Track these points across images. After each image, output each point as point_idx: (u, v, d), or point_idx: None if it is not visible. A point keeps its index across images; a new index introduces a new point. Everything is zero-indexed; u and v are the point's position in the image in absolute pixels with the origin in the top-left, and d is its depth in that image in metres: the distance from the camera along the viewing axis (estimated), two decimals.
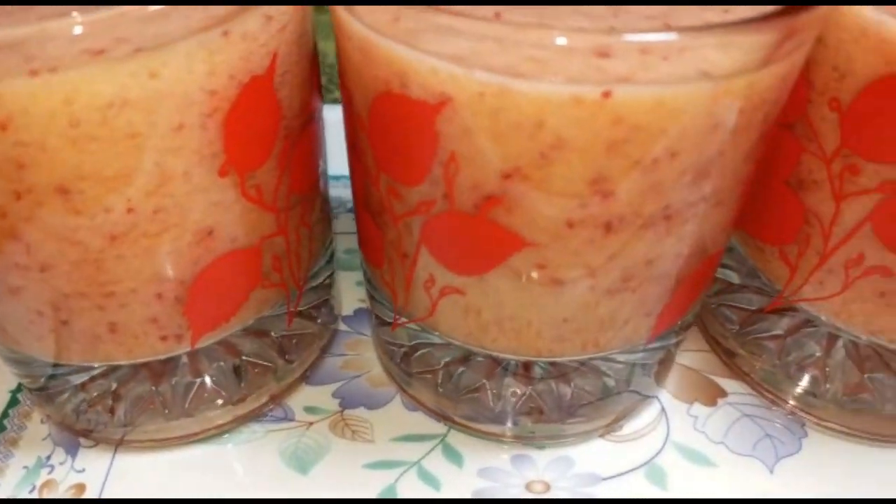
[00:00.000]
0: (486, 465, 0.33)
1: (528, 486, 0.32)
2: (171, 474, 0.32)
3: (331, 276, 0.37)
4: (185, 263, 0.27)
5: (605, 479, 0.32)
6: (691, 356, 0.38)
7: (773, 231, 0.32)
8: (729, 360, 0.37)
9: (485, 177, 0.24)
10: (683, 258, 0.27)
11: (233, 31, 0.24)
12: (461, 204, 0.25)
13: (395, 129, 0.24)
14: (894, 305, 0.30)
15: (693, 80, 0.22)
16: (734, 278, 0.36)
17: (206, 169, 0.25)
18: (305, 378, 0.36)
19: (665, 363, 0.35)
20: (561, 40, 0.21)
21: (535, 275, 0.26)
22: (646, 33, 0.21)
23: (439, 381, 0.33)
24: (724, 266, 0.36)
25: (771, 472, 0.33)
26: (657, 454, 0.33)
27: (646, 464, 0.33)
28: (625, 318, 0.29)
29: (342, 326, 0.39)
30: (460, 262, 0.27)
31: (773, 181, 0.32)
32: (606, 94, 0.21)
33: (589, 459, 0.33)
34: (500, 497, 0.32)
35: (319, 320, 0.36)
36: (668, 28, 0.24)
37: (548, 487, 0.32)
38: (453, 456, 0.33)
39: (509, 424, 0.34)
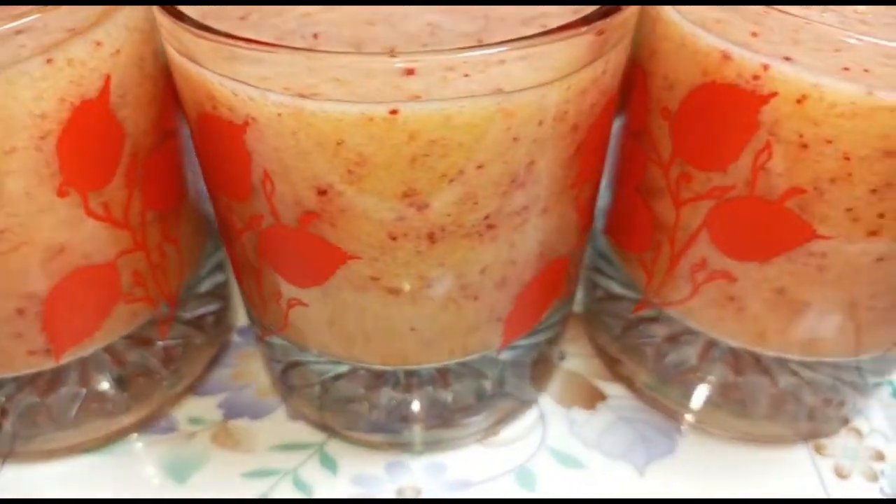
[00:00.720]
0: (360, 472, 0.33)
1: (399, 492, 0.33)
2: (58, 485, 0.33)
3: (222, 286, 0.38)
4: (39, 280, 0.28)
5: (475, 483, 0.33)
6: (578, 361, 0.38)
7: (632, 238, 0.33)
8: (612, 366, 0.38)
9: (301, 193, 0.24)
10: (521, 265, 0.28)
11: (56, 57, 0.25)
12: (285, 219, 0.26)
13: (216, 148, 0.25)
14: (744, 310, 0.30)
15: (483, 96, 0.22)
16: (613, 287, 0.36)
17: (47, 189, 0.26)
18: (194, 389, 0.37)
19: (541, 368, 0.36)
20: (346, 63, 0.22)
21: (371, 286, 0.27)
22: (425, 54, 0.22)
23: (317, 394, 0.34)
24: (604, 275, 0.37)
25: (641, 474, 0.33)
26: (530, 458, 0.34)
27: (517, 468, 0.34)
28: (470, 325, 0.29)
29: (235, 337, 0.39)
30: (296, 275, 0.27)
31: (627, 189, 0.32)
32: (394, 112, 0.22)
33: (463, 465, 0.34)
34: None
35: (208, 331, 0.37)
36: (478, 45, 0.25)
37: (418, 493, 0.33)
38: (329, 464, 0.34)
39: (387, 433, 0.34)
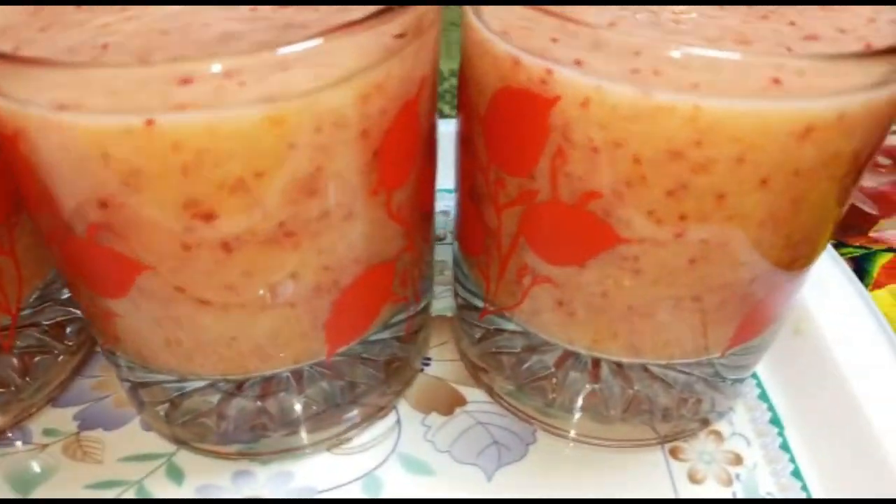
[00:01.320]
0: (206, 482, 0.33)
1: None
2: None
3: None
4: None
5: (321, 491, 0.33)
6: (442, 366, 0.38)
7: (470, 244, 0.33)
8: (474, 371, 0.37)
9: (83, 205, 0.24)
10: (336, 271, 0.28)
11: None
12: (77, 231, 0.25)
13: (6, 159, 0.25)
14: (574, 314, 0.30)
15: (249, 104, 0.22)
16: (464, 292, 0.36)
17: None
18: (52, 400, 0.36)
19: (398, 374, 0.36)
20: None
21: (178, 297, 0.27)
22: (175, 63, 0.21)
23: (166, 411, 0.34)
24: (458, 280, 0.36)
25: (489, 479, 0.33)
26: (379, 465, 0.34)
27: (365, 476, 0.33)
28: (294, 333, 0.29)
29: (99, 348, 0.39)
30: (99, 286, 0.27)
31: (462, 195, 0.32)
32: (150, 123, 0.22)
33: (310, 473, 0.33)
34: None
35: (68, 341, 0.37)
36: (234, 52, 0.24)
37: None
38: (175, 475, 0.33)
39: (236, 443, 0.34)
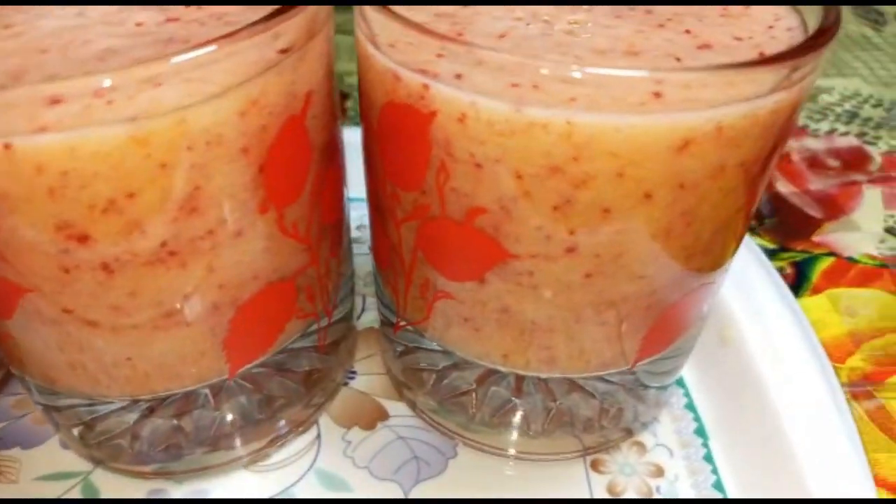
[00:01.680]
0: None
1: None
2: None
3: None
4: None
5: None
6: (367, 380, 0.38)
7: (379, 256, 0.32)
8: (398, 385, 0.37)
9: None
10: (231, 289, 0.27)
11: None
12: None
13: None
14: (480, 330, 0.30)
15: (112, 123, 0.22)
16: (381, 307, 0.35)
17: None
18: None
19: (319, 388, 0.35)
20: None
21: (66, 319, 0.26)
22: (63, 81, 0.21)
23: (80, 432, 0.33)
24: (379, 297, 0.36)
25: (406, 494, 0.33)
26: (296, 482, 0.33)
27: (281, 493, 0.33)
28: (193, 351, 0.29)
29: None
30: None
31: (369, 207, 0.31)
32: (7, 147, 0.21)
33: (225, 492, 0.33)
34: None
35: None
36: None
37: None
38: (90, 493, 0.33)
39: (152, 462, 0.34)
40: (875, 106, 0.59)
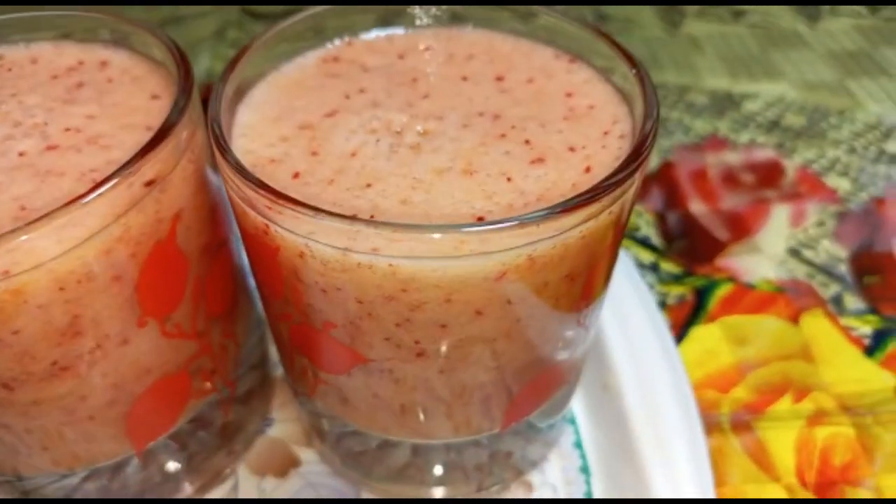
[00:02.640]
0: None
1: None
2: None
3: None
4: None
5: None
6: (284, 426, 0.41)
7: (273, 336, 0.35)
8: (307, 434, 0.40)
9: None
10: (124, 387, 0.31)
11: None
12: None
13: None
14: (358, 409, 0.33)
15: None
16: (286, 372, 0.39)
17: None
18: None
19: (235, 439, 0.39)
20: None
21: None
22: None
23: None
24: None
25: None
26: None
27: None
28: (98, 439, 0.32)
29: None
30: None
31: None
32: None
33: None
34: None
35: None
36: None
37: None
38: None
39: None
40: (797, 113, 0.60)
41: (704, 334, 0.45)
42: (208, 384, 0.34)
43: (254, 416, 0.40)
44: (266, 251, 0.27)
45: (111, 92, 0.32)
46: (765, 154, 0.57)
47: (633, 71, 0.30)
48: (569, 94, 0.31)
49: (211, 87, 0.30)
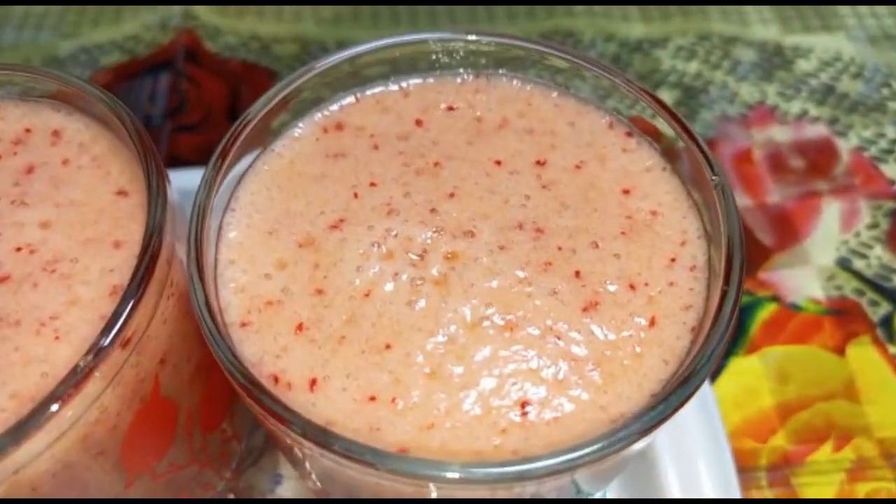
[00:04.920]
0: None
1: None
2: None
3: None
4: None
5: None
6: (293, 484, 0.39)
7: None
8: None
9: None
10: None
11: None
12: None
13: None
14: None
15: None
16: None
17: None
18: None
19: None
20: None
21: None
22: None
23: None
24: None
25: None
26: None
27: None
28: None
29: None
30: None
31: None
32: None
33: None
34: None
35: None
36: None
37: None
38: None
39: None
40: (855, 76, 0.53)
41: (745, 368, 0.41)
42: (214, 479, 0.31)
43: (263, 475, 0.37)
44: (265, 426, 0.23)
45: (68, 182, 0.26)
46: (817, 131, 0.50)
47: (714, 179, 0.24)
48: (626, 192, 0.26)
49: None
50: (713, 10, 0.57)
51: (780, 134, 0.51)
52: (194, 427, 0.28)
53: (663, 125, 0.26)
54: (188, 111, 0.51)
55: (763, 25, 0.56)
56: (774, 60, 0.54)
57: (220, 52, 0.54)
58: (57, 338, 0.23)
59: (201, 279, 0.22)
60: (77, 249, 0.25)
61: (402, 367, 0.22)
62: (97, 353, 0.21)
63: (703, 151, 0.25)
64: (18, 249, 0.25)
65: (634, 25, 0.56)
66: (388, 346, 0.23)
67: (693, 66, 0.53)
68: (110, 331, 0.21)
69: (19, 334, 0.23)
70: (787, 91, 0.53)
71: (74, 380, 0.20)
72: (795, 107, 0.52)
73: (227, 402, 0.30)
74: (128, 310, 0.21)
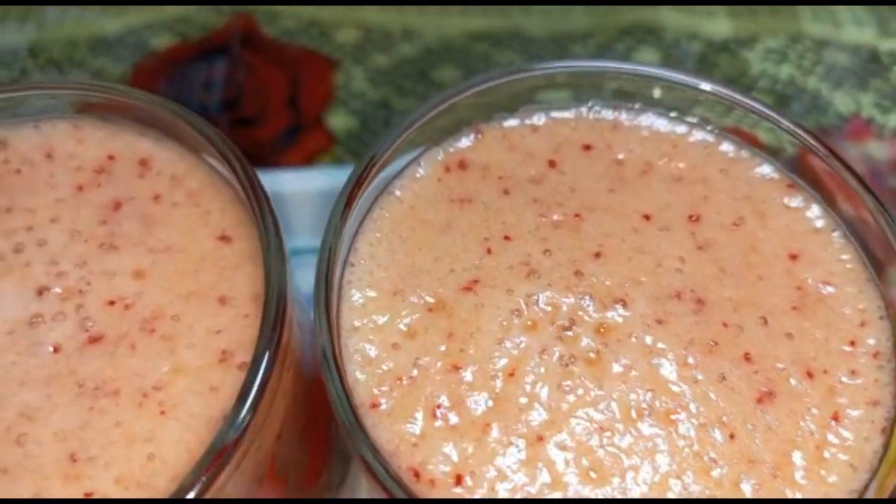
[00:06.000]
0: None
1: None
2: None
3: None
4: None
5: None
6: None
7: None
8: None
9: None
10: None
11: None
12: None
13: None
14: None
15: None
16: None
17: None
18: None
19: None
20: None
21: None
22: None
23: None
24: None
25: None
26: None
27: None
28: None
29: None
30: None
31: None
32: None
33: None
34: None
35: None
36: None
37: None
38: None
39: None
40: None
41: None
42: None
43: None
44: None
45: (162, 223, 0.23)
46: None
47: None
48: (793, 257, 0.23)
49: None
50: (804, 8, 0.53)
51: (877, 150, 0.47)
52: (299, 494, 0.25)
53: (835, 179, 0.23)
54: (246, 103, 0.48)
55: (857, 27, 0.53)
56: (869, 67, 0.51)
57: (279, 38, 0.50)
58: (162, 412, 0.20)
59: (335, 357, 0.19)
60: (178, 305, 0.22)
61: (560, 463, 0.20)
62: (221, 453, 0.18)
63: (889, 218, 0.22)
64: (111, 303, 0.22)
65: (720, 22, 0.52)
66: (540, 439, 0.20)
67: (785, 71, 0.50)
68: (238, 426, 0.19)
69: (119, 406, 0.20)
70: (884, 102, 0.49)
71: (199, 482, 0.18)
72: (893, 119, 0.48)
73: (324, 460, 0.27)
74: (254, 393, 0.19)
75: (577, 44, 0.50)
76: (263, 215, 0.22)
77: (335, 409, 0.19)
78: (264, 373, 0.19)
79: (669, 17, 0.52)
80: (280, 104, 0.49)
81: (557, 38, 0.51)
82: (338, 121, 0.47)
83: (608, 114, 0.26)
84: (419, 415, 0.20)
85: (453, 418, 0.20)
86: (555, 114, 0.26)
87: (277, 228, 0.22)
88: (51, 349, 0.21)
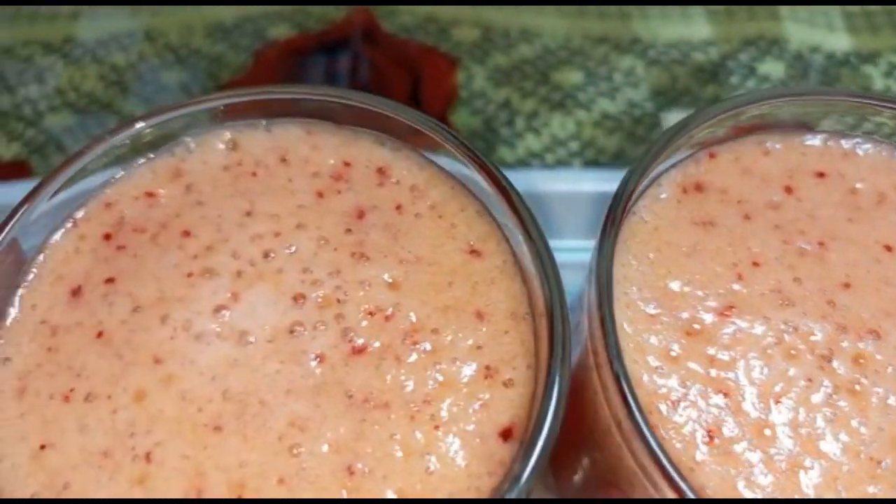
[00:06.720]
0: None
1: None
2: None
3: None
4: None
5: None
6: None
7: None
8: None
9: None
10: None
11: None
12: None
13: None
14: None
15: None
16: None
17: None
18: None
19: None
20: None
21: None
22: None
23: None
24: None
25: None
26: None
27: None
28: None
29: None
30: None
31: None
32: None
33: None
34: None
35: None
36: None
37: None
38: None
39: None
40: None
41: None
42: None
43: None
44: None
45: (408, 233, 0.23)
46: None
47: None
48: None
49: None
50: (883, 22, 0.53)
51: None
52: None
53: None
54: None
55: None
56: None
57: (397, 34, 0.50)
58: (436, 427, 0.20)
59: (628, 383, 0.19)
60: (436, 318, 0.22)
61: (824, 491, 0.20)
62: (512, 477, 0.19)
63: None
64: (371, 314, 0.22)
65: (840, 36, 0.52)
66: (806, 469, 0.20)
67: None
68: (530, 457, 0.19)
69: (391, 419, 0.20)
70: None
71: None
72: None
73: None
74: (548, 424, 0.19)
75: (699, 51, 0.50)
76: (526, 225, 0.22)
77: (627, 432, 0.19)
78: (558, 405, 0.19)
79: (791, 28, 0.52)
80: (402, 101, 0.48)
81: (679, 45, 0.50)
82: (462, 120, 0.47)
83: (840, 142, 0.26)
84: (692, 439, 0.20)
85: (725, 444, 0.20)
86: (788, 138, 0.26)
87: (549, 255, 0.21)
88: (315, 359, 0.21)
